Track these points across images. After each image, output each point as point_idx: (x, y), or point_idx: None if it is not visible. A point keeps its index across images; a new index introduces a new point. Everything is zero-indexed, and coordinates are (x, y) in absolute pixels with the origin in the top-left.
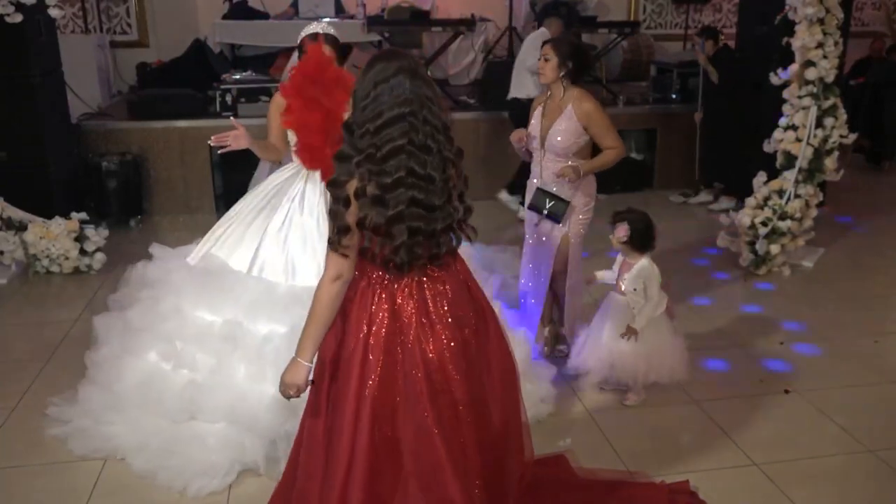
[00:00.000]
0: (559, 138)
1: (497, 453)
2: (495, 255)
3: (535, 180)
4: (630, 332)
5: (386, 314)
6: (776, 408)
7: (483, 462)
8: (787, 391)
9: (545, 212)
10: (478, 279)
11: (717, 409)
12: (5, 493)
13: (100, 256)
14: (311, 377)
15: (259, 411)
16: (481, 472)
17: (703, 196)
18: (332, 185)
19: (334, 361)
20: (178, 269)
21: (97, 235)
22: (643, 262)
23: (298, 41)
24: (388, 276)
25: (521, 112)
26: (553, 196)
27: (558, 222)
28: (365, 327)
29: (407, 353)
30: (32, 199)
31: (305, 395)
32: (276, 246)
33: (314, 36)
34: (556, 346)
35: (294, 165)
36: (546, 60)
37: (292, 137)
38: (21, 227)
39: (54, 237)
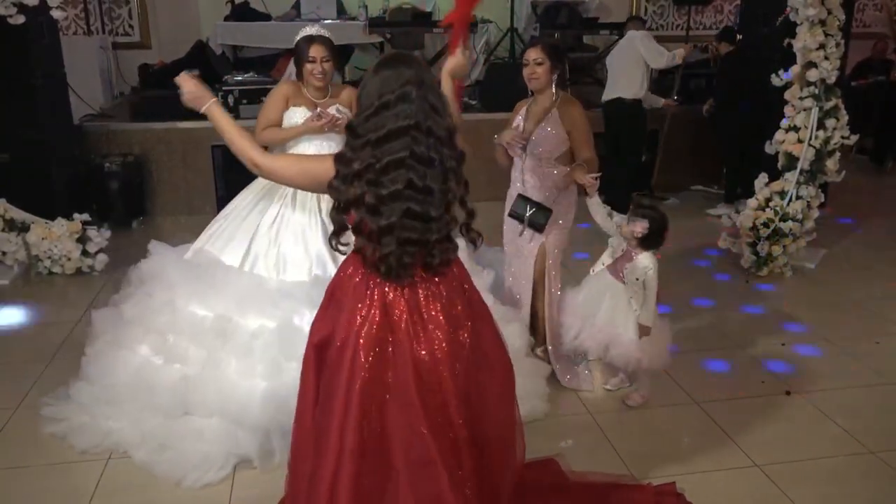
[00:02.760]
0: (543, 143)
1: (491, 454)
2: (495, 256)
3: (517, 185)
4: (644, 333)
5: (377, 311)
6: (777, 409)
7: (476, 463)
8: (788, 392)
9: (526, 219)
10: (471, 273)
11: (719, 410)
12: (8, 494)
13: (102, 257)
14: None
15: (249, 406)
16: (474, 473)
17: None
18: (332, 188)
19: (322, 348)
20: (171, 265)
21: (99, 236)
22: (646, 256)
23: (294, 44)
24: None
25: (623, 113)
26: (535, 203)
27: (540, 231)
28: (357, 322)
29: (398, 350)
30: (34, 201)
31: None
32: (268, 242)
33: (309, 38)
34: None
35: None
36: (539, 64)
37: (293, 119)
38: (23, 228)
39: (56, 238)
